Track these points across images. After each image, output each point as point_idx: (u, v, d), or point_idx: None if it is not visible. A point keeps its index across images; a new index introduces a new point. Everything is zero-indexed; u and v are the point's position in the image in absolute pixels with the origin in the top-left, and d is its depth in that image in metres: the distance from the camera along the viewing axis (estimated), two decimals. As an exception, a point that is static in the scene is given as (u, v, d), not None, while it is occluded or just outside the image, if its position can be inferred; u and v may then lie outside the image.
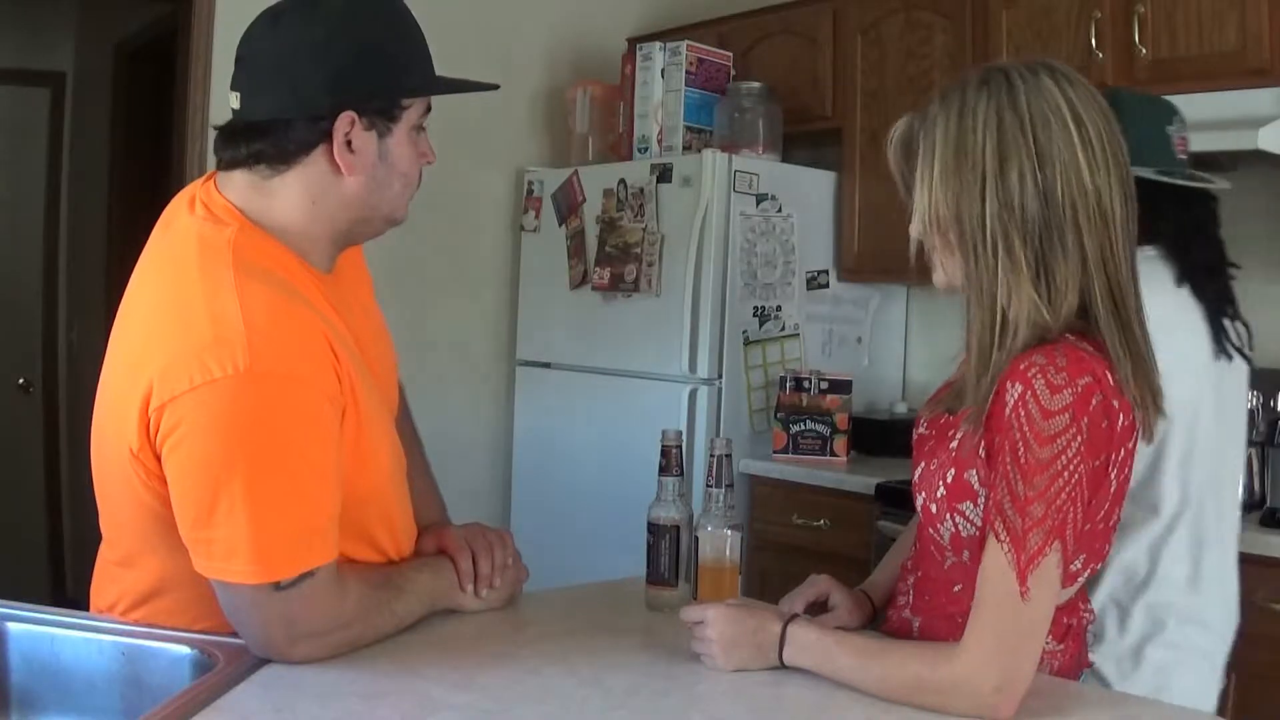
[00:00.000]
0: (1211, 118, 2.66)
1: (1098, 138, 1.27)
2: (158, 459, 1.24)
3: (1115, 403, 1.25)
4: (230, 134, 1.36)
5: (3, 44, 4.77)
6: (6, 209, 4.84)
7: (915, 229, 1.34)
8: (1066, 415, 1.21)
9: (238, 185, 1.36)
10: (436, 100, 1.43)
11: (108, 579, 1.42)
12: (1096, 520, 1.28)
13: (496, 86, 1.47)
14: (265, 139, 1.33)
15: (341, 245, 1.44)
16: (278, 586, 1.23)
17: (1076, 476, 1.22)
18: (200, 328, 1.23)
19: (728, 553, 1.56)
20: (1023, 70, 1.29)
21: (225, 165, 1.37)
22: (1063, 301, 1.27)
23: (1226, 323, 1.78)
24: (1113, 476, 1.27)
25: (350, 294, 1.48)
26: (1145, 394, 1.28)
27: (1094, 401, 1.23)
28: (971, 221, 1.27)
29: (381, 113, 1.36)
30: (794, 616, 1.37)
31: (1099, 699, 1.33)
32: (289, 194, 1.35)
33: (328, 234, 1.40)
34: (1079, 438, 1.22)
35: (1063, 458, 1.21)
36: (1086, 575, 1.35)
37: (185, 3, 3.40)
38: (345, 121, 1.33)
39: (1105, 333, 1.26)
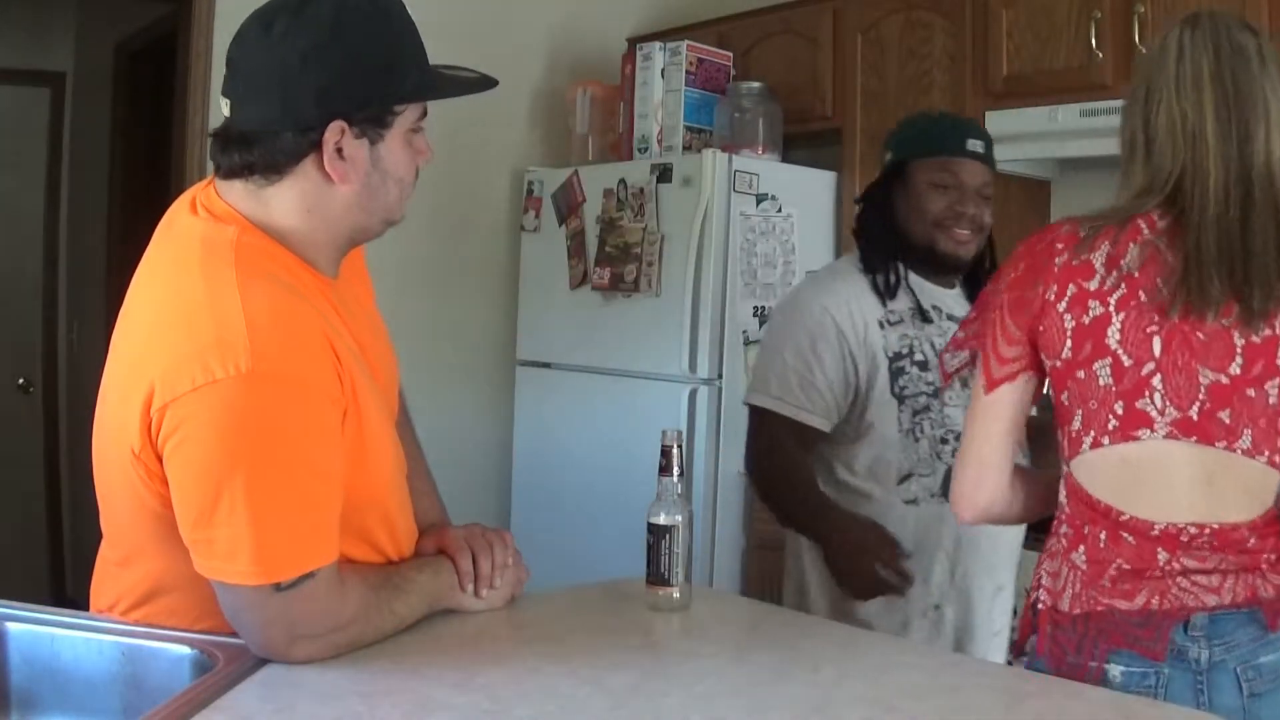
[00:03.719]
0: (1211, 118, 2.66)
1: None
2: (159, 460, 1.24)
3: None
4: (224, 142, 1.35)
5: (3, 44, 4.77)
6: (6, 209, 4.84)
7: None
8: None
9: (236, 192, 1.35)
10: (436, 100, 1.42)
11: (108, 579, 1.42)
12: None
13: (494, 83, 1.44)
14: (255, 149, 1.33)
15: (345, 249, 1.44)
16: (278, 587, 1.23)
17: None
18: (203, 328, 1.23)
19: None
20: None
21: (223, 174, 1.36)
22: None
23: None
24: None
25: (351, 297, 1.48)
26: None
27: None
28: None
29: (373, 121, 1.34)
30: None
31: (1100, 699, 1.33)
32: (284, 203, 1.35)
33: (328, 240, 1.39)
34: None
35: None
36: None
37: (185, 3, 3.40)
38: (335, 131, 1.31)
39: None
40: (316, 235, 1.37)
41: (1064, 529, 1.46)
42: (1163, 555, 1.38)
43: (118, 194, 4.62)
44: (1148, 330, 1.37)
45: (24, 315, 4.89)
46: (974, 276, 2.13)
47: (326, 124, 1.31)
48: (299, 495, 1.24)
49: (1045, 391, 1.50)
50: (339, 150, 1.33)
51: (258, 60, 1.31)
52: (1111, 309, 1.38)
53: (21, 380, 4.86)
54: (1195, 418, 1.36)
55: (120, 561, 1.39)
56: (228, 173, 1.35)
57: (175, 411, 1.21)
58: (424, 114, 1.41)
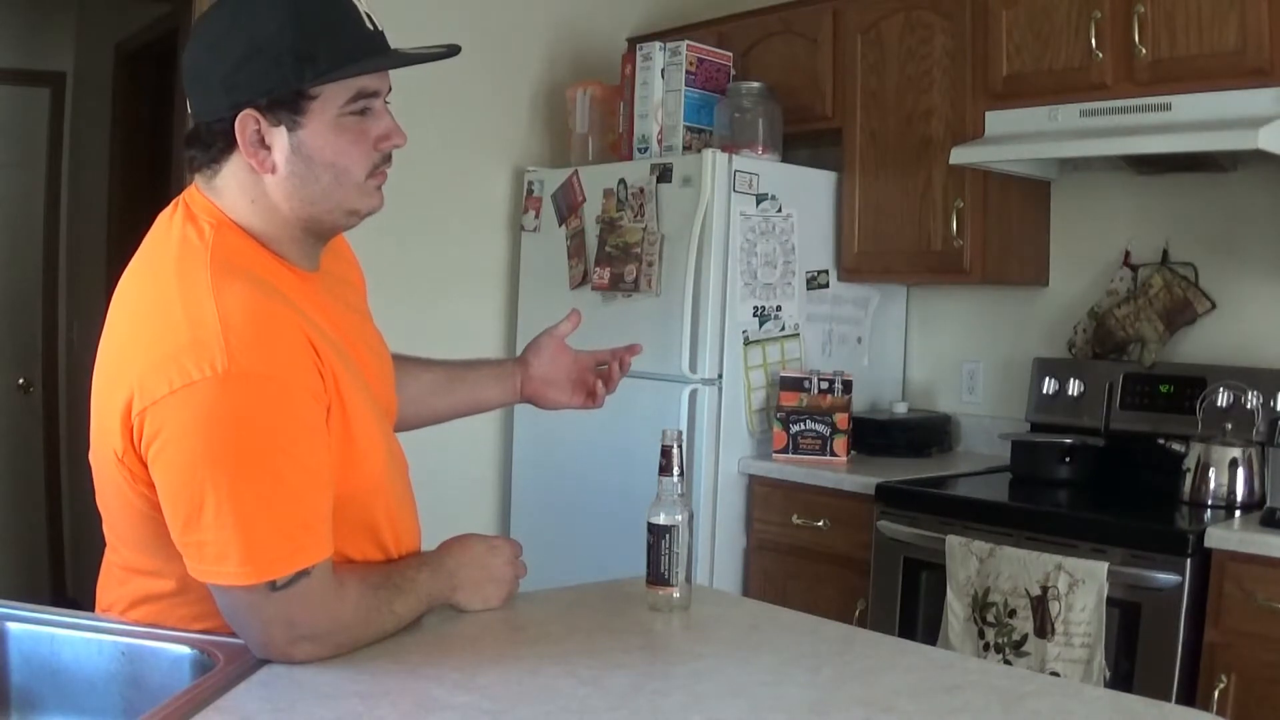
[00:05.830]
0: (1211, 118, 2.66)
1: None
2: (143, 464, 1.24)
3: None
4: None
5: (3, 44, 4.77)
6: (6, 209, 4.84)
7: None
8: None
9: (204, 187, 1.37)
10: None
11: (111, 580, 1.42)
12: None
13: (444, 55, 1.36)
14: (194, 145, 1.35)
15: (309, 242, 1.40)
16: (274, 586, 1.23)
17: None
18: (178, 331, 1.22)
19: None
20: None
21: (190, 171, 1.39)
22: None
23: None
24: None
25: (339, 294, 1.48)
26: None
27: None
28: None
29: (285, 106, 1.30)
30: None
31: (1100, 699, 1.33)
32: (231, 195, 1.35)
33: (284, 232, 1.36)
34: None
35: None
36: None
37: (185, 3, 3.40)
38: (248, 120, 1.30)
39: None
40: (270, 228, 1.36)
41: None
42: None
43: (118, 194, 4.62)
44: None
45: (24, 315, 4.89)
46: None
47: (236, 114, 1.30)
48: (285, 492, 1.24)
49: None
50: (261, 139, 1.31)
51: (189, 54, 1.34)
52: None
53: (21, 380, 4.86)
54: None
55: (120, 562, 1.40)
56: (191, 169, 1.38)
57: (155, 415, 1.21)
58: (361, 94, 1.33)
